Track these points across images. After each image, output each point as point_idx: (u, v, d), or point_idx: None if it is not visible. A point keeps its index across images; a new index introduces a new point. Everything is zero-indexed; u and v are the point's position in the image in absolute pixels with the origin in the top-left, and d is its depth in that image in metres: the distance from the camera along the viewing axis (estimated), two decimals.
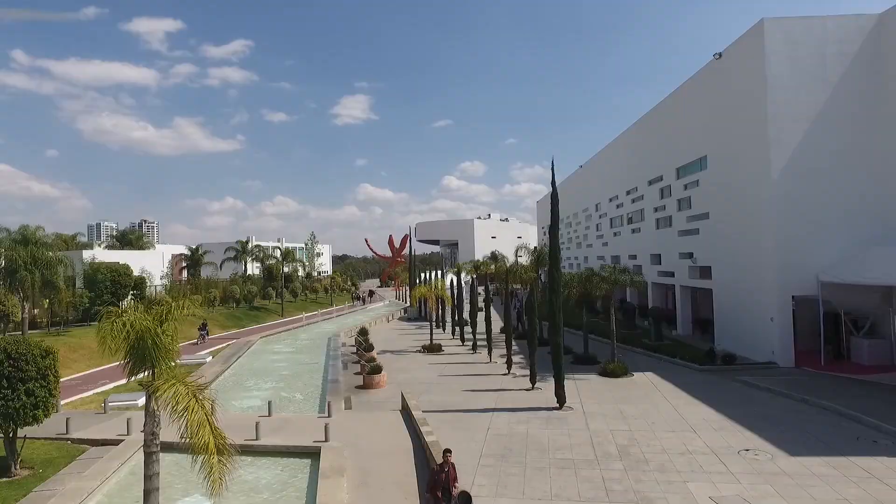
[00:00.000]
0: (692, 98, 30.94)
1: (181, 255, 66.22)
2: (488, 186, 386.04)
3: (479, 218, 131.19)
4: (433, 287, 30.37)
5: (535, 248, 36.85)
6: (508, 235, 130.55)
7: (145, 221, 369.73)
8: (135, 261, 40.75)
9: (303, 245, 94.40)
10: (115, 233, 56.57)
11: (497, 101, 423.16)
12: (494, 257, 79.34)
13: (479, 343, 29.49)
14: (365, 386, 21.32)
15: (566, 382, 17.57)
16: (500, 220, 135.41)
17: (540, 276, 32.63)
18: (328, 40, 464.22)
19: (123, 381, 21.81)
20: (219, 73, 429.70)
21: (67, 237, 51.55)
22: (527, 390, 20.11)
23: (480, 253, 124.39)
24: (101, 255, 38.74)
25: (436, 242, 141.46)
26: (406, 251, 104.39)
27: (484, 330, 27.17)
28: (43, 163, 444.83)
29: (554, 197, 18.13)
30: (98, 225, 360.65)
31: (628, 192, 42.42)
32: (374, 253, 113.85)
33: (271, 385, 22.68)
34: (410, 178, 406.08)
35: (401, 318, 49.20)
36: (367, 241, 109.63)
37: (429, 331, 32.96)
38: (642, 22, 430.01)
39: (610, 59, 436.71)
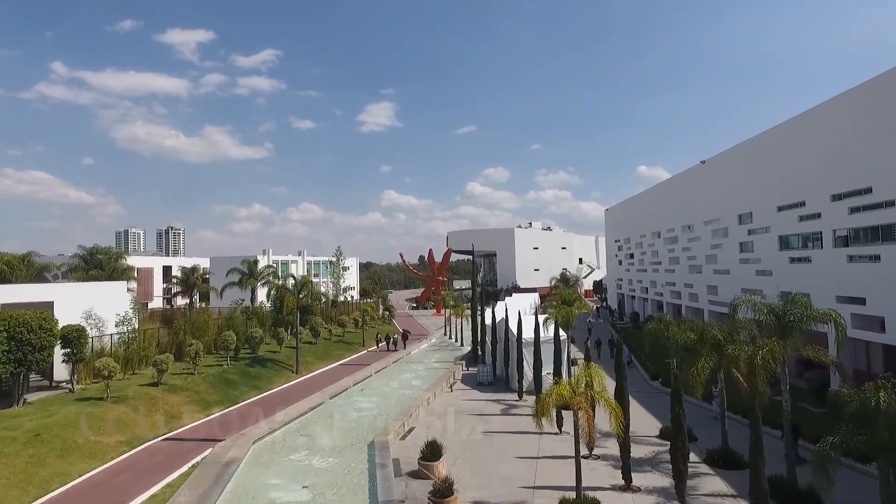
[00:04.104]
0: None
1: (174, 277, 53.02)
2: (512, 193, 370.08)
3: (520, 227, 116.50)
4: (580, 385, 14.42)
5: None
6: (551, 246, 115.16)
7: (172, 228, 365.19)
8: (79, 297, 27.12)
9: (328, 260, 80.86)
10: (82, 251, 42.98)
11: (521, 106, 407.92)
12: (565, 279, 63.12)
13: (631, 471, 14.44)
14: None
15: None
16: (543, 228, 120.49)
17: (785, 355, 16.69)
18: (354, 48, 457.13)
19: None
20: (248, 82, 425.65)
21: (13, 258, 38.21)
22: None
23: (521, 266, 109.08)
24: (4, 293, 24.85)
25: (469, 253, 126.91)
26: (446, 266, 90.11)
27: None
28: (79, 170, 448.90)
29: None
30: (126, 232, 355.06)
31: (838, 198, 26.97)
32: (411, 270, 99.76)
33: None
34: (434, 184, 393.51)
35: (464, 380, 34.49)
36: (401, 255, 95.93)
37: (521, 410, 20.02)
38: (671, 24, 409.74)
39: (638, 63, 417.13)
